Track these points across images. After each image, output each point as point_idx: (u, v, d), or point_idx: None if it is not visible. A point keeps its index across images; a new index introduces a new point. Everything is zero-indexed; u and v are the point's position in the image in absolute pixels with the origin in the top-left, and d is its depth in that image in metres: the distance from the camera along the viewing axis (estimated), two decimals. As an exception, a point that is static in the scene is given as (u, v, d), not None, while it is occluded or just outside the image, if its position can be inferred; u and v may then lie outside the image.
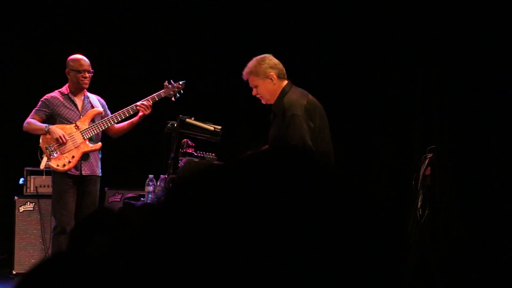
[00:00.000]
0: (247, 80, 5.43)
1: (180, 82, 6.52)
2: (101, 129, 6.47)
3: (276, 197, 0.81)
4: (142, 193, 6.43)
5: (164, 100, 6.51)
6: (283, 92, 5.29)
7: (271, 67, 5.32)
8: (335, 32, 7.83)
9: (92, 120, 6.50)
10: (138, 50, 8.31)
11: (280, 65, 5.38)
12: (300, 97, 5.25)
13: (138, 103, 6.43)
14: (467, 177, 6.16)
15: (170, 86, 6.49)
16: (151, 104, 6.43)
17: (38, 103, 6.48)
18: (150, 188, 6.16)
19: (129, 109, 6.42)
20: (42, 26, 8.12)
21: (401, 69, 7.26)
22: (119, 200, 7.50)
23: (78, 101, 6.48)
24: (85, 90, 6.52)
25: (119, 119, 6.50)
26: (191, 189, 0.87)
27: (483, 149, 6.14)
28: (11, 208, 7.63)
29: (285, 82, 5.35)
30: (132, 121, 6.56)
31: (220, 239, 0.80)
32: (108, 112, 6.64)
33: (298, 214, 0.80)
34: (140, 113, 6.43)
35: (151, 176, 6.15)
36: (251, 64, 5.35)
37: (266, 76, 5.28)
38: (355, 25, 7.66)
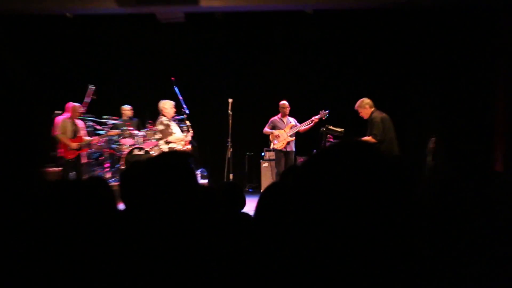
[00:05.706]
0: (357, 110, 8.86)
1: (327, 111, 10.50)
2: (295, 131, 10.59)
3: (355, 169, 1.05)
4: (311, 159, 11.29)
5: (320, 120, 10.61)
6: (371, 114, 8.74)
7: (367, 103, 8.86)
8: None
9: (290, 128, 10.67)
10: (299, 95, 12.52)
11: (371, 102, 8.74)
12: (378, 115, 8.66)
13: (313, 118, 10.37)
14: (451, 148, 10.80)
15: (322, 112, 10.50)
16: (317, 120, 10.43)
17: (268, 122, 10.88)
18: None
19: (308, 122, 10.53)
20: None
21: (419, 88, 11.18)
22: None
23: (285, 119, 10.87)
24: (287, 115, 10.90)
25: (303, 127, 10.52)
26: (313, 159, 1.24)
27: (460, 139, 10.84)
28: (259, 165, 12.50)
29: (373, 109, 8.76)
30: (309, 127, 10.49)
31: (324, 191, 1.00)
32: (297, 123, 10.72)
33: (360, 183, 0.99)
34: (312, 123, 10.45)
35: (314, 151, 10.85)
36: (359, 101, 8.90)
37: (365, 107, 8.86)
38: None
